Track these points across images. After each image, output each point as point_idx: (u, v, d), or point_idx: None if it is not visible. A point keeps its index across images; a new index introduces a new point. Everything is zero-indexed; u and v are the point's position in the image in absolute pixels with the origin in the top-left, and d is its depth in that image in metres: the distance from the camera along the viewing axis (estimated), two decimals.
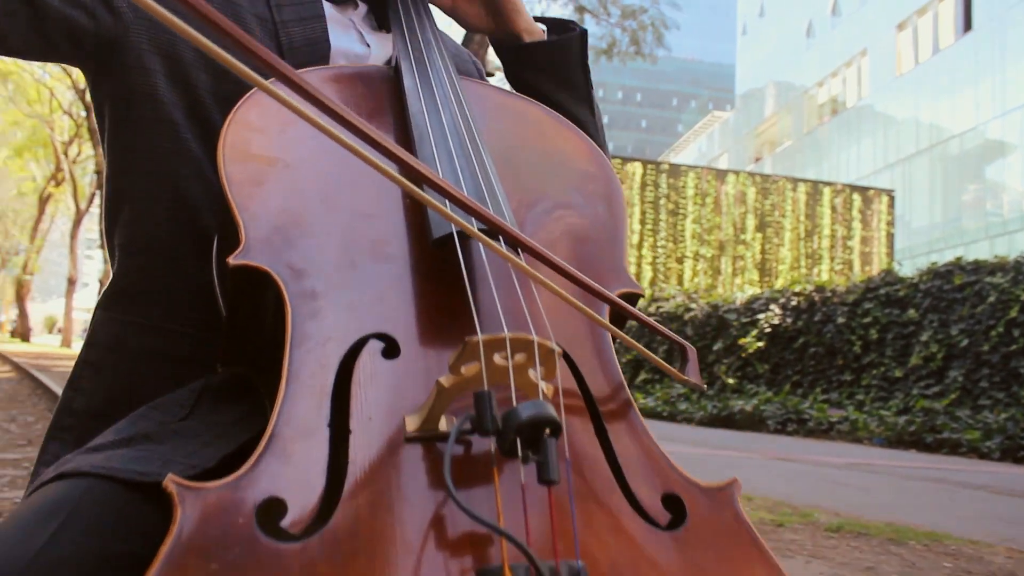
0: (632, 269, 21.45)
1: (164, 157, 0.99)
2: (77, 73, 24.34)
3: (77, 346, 28.59)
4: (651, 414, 12.57)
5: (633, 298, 0.92)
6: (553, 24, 1.21)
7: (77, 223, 27.11)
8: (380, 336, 0.74)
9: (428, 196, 0.70)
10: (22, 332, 36.92)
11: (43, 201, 32.52)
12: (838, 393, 11.97)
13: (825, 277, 20.68)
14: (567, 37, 1.16)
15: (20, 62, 25.98)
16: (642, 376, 15.07)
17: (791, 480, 5.95)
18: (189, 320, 0.98)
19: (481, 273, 0.82)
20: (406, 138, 0.94)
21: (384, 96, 1.01)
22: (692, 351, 0.92)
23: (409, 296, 0.80)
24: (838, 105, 36.05)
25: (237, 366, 0.87)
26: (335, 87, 0.99)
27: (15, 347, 28.11)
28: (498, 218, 0.73)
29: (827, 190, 23.37)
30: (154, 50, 0.99)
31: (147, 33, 0.99)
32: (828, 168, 33.79)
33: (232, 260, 0.75)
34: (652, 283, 21.09)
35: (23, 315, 37.66)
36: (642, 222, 21.99)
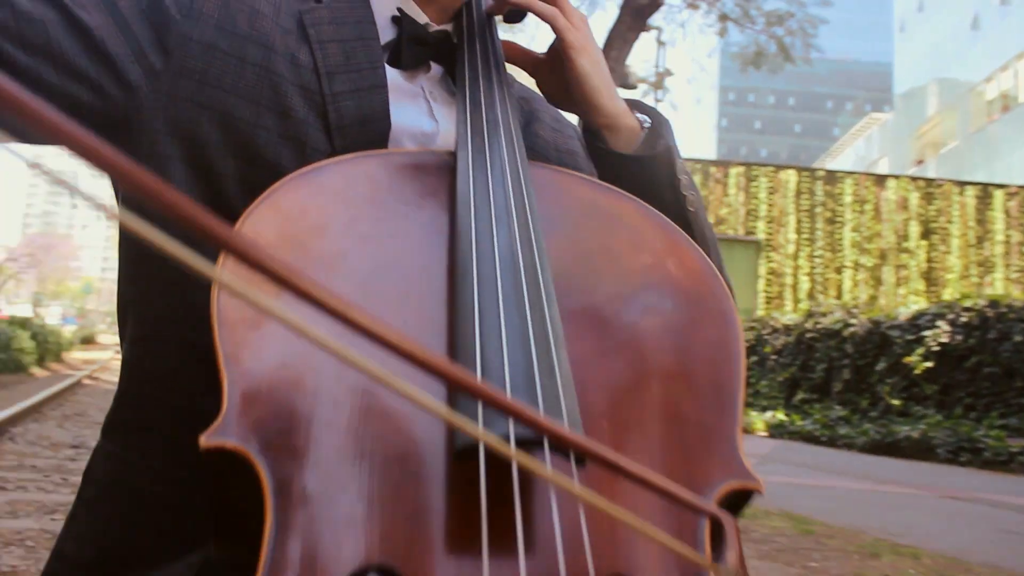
0: (788, 280, 20.87)
1: (176, 267, 0.71)
2: None
3: None
4: (808, 438, 12.03)
5: (744, 496, 0.67)
6: (648, 112, 0.98)
7: None
8: (382, 571, 0.55)
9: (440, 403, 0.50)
10: None
11: None
12: (1018, 419, 11.02)
13: (999, 287, 19.36)
14: (646, 157, 0.92)
15: None
16: (799, 396, 14.46)
17: (970, 527, 5.42)
18: (195, 465, 0.72)
19: (532, 482, 0.59)
20: (452, 266, 0.71)
21: (434, 198, 0.78)
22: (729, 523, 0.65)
23: (428, 513, 0.58)
24: (1009, 101, 34.07)
25: (231, 546, 0.67)
26: (368, 184, 0.77)
27: None
28: (549, 423, 0.46)
29: (999, 193, 21.90)
30: (172, 131, 0.82)
31: (165, 112, 0.82)
32: (1000, 169, 31.71)
33: (205, 440, 0.57)
34: (810, 295, 20.36)
35: None
36: (798, 231, 21.28)
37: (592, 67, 0.92)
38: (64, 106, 0.78)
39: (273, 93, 0.84)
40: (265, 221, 0.70)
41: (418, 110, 0.94)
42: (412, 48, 0.93)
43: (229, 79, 0.83)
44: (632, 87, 15.78)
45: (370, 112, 0.88)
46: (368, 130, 0.87)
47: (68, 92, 0.78)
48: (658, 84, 16.54)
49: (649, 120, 0.96)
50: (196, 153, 0.83)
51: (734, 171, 21.74)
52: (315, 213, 0.73)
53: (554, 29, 0.92)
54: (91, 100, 0.80)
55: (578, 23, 0.93)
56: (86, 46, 0.79)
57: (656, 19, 11.35)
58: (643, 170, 0.92)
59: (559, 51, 0.93)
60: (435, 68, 0.97)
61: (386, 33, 0.93)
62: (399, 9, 0.94)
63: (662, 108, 16.26)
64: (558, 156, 1.01)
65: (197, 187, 0.82)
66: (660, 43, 16.90)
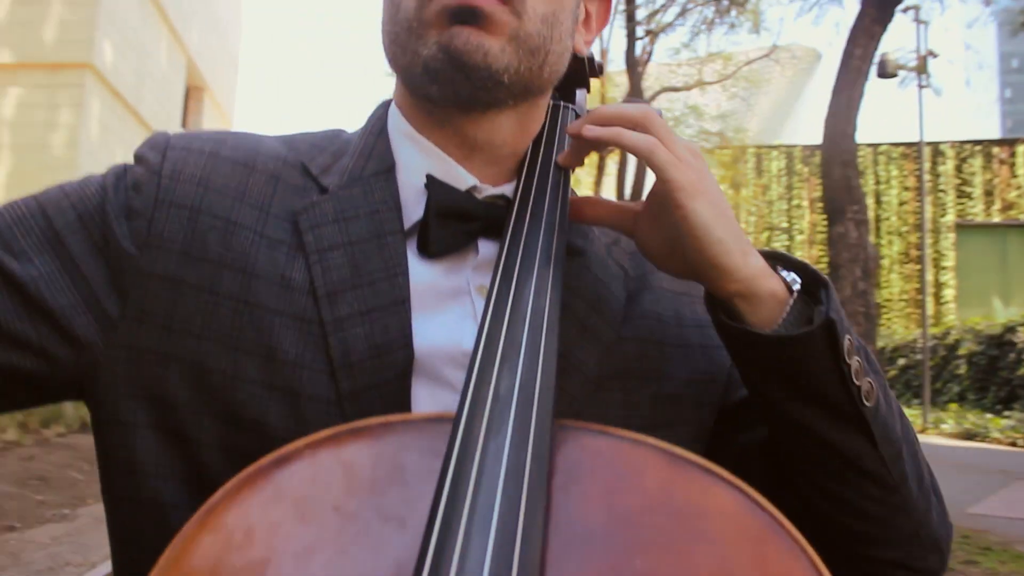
0: None
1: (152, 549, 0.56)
2: None
3: None
4: None
5: None
6: (798, 269, 0.72)
7: None
8: None
9: None
10: None
11: None
12: None
13: None
14: (796, 337, 0.66)
15: None
16: None
17: None
18: None
19: None
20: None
21: (419, 509, 0.52)
22: None
23: None
24: None
25: None
26: (343, 485, 0.54)
27: None
28: None
29: None
30: (135, 392, 0.68)
31: (126, 369, 0.68)
32: None
33: None
34: None
35: None
36: None
37: (711, 213, 0.66)
38: (7, 378, 0.67)
39: (255, 332, 0.68)
40: (200, 550, 0.52)
41: (459, 318, 0.73)
42: (443, 229, 0.73)
43: (199, 321, 0.68)
44: (892, 75, 14.75)
45: (385, 340, 0.69)
46: (383, 364, 0.68)
47: (5, 363, 0.66)
48: (920, 68, 15.34)
49: (799, 281, 0.71)
50: (166, 417, 0.68)
51: (1022, 149, 19.65)
52: (261, 542, 0.52)
53: (652, 167, 0.68)
54: (35, 367, 0.67)
55: (685, 155, 0.68)
56: (21, 303, 0.66)
57: None
58: (792, 355, 0.67)
59: (663, 196, 0.69)
60: (486, 248, 0.75)
61: (419, 209, 0.74)
62: (429, 176, 0.74)
63: (926, 95, 15.06)
64: (669, 352, 0.80)
65: (171, 460, 0.68)
66: (920, 23, 15.69)
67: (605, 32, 18.01)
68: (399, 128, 0.79)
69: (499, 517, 0.49)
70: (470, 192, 0.75)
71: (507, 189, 0.77)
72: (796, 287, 0.70)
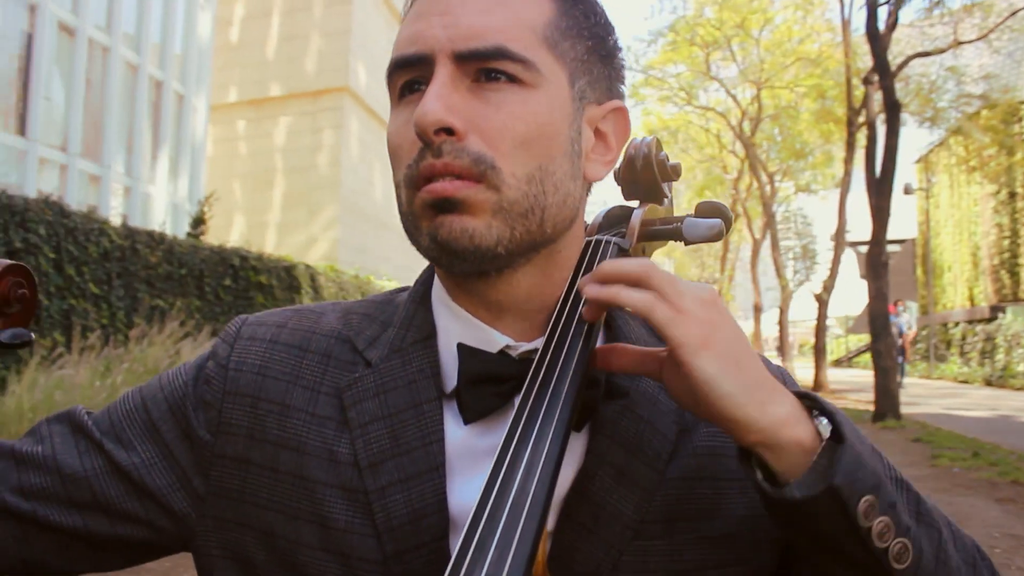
0: None
1: None
2: (735, 112, 26.16)
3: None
4: None
5: None
6: (829, 415, 0.69)
7: (754, 252, 28.57)
8: None
9: None
10: None
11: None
12: None
13: None
14: (801, 501, 0.64)
15: (689, 114, 29.05)
16: None
17: None
18: None
19: None
20: None
21: None
22: None
23: None
24: None
25: None
26: None
27: None
28: None
29: None
30: (224, 554, 0.79)
31: (216, 534, 0.79)
32: None
33: None
34: None
35: None
36: None
37: (717, 367, 0.65)
38: (121, 546, 0.80)
39: (310, 503, 0.75)
40: None
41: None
42: (476, 394, 0.75)
43: (265, 494, 0.77)
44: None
45: (421, 505, 0.74)
46: (421, 527, 0.73)
47: (123, 536, 0.79)
48: None
49: (831, 426, 0.68)
50: (247, 572, 0.78)
51: None
52: None
53: (653, 326, 0.67)
54: (146, 536, 0.80)
55: (691, 307, 0.67)
56: (130, 488, 0.79)
57: None
58: (802, 515, 0.66)
59: (671, 352, 0.68)
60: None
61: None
62: (459, 344, 0.78)
63: None
64: (725, 487, 0.79)
65: None
66: None
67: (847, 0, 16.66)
68: (438, 295, 0.84)
69: None
70: (503, 352, 0.78)
71: (540, 343, 0.77)
72: (826, 436, 0.67)
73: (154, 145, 19.05)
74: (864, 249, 13.34)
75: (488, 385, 0.75)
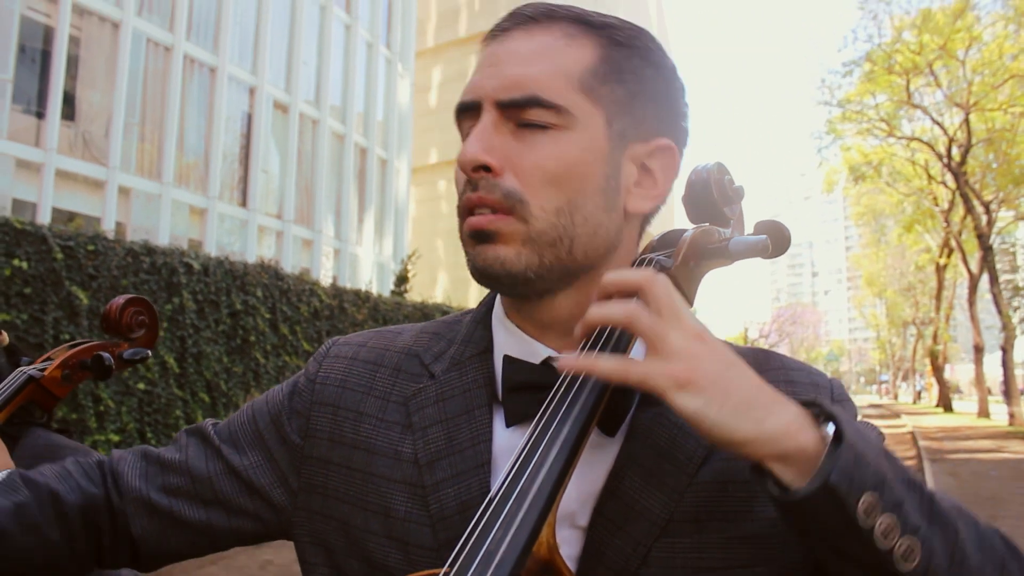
0: None
1: None
2: (942, 140, 24.69)
3: (999, 412, 27.82)
4: None
5: None
6: (835, 419, 0.70)
7: (972, 289, 26.69)
8: None
9: None
10: (943, 402, 37.37)
11: (939, 270, 33.03)
12: None
13: None
14: (798, 503, 0.66)
15: (892, 145, 27.63)
16: None
17: None
18: None
19: None
20: None
21: None
22: None
23: None
24: None
25: None
26: None
27: (933, 420, 28.62)
28: None
29: None
30: (313, 541, 0.91)
31: (307, 524, 0.92)
32: None
33: None
34: None
35: (941, 385, 38.23)
36: None
37: (703, 400, 0.68)
38: (234, 537, 0.95)
39: (377, 496, 0.86)
40: None
41: None
42: (518, 400, 0.83)
43: (342, 488, 0.89)
44: None
45: (469, 498, 0.82)
46: (467, 517, 0.77)
47: (236, 527, 0.94)
48: None
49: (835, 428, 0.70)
50: (331, 559, 0.89)
51: None
52: None
53: (634, 376, 0.71)
54: (254, 527, 0.94)
55: (672, 346, 0.70)
56: (242, 486, 0.93)
57: None
58: (804, 516, 0.68)
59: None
60: None
61: None
62: (505, 356, 0.87)
63: None
64: (742, 491, 0.81)
65: None
66: None
67: None
68: (497, 314, 0.93)
69: None
70: (546, 362, 0.85)
71: None
72: (829, 439, 0.69)
73: (360, 208, 20.22)
74: None
75: (530, 392, 0.83)
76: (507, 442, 0.84)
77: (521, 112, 0.81)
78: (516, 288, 0.83)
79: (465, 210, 0.83)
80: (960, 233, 27.51)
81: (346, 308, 12.07)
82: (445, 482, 0.84)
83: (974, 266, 26.50)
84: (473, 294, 22.98)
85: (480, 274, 0.83)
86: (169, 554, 0.96)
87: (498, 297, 0.94)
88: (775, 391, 0.71)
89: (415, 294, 17.44)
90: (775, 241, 0.87)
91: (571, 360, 0.73)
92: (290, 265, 14.62)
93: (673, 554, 0.79)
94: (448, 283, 24.01)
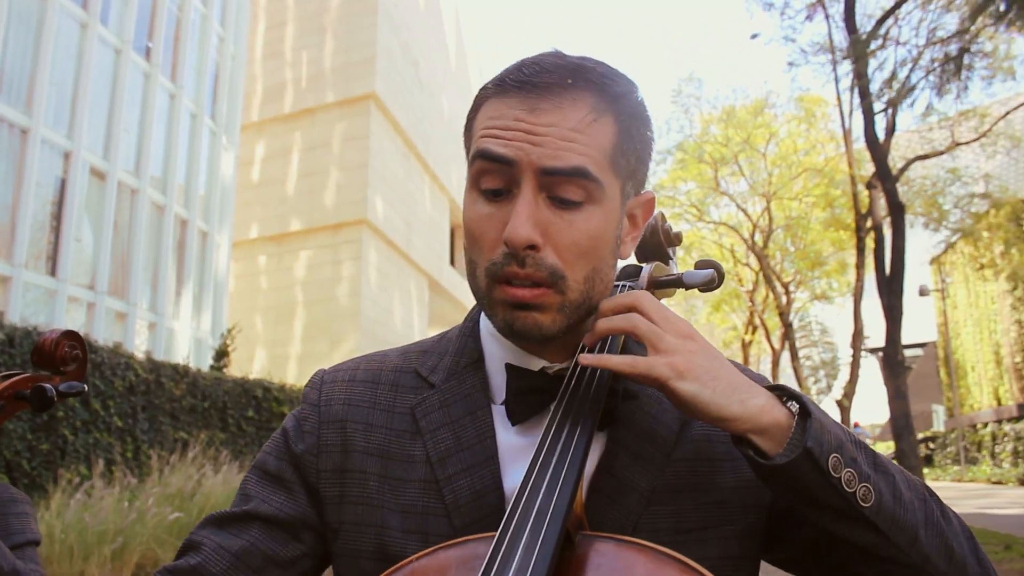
0: None
1: None
2: (746, 225, 26.46)
3: None
4: None
5: None
6: (795, 397, 0.88)
7: (774, 363, 28.51)
8: None
9: None
10: None
11: (745, 347, 35.10)
12: None
13: None
14: (783, 466, 0.82)
15: (701, 229, 29.50)
16: None
17: None
18: None
19: None
20: None
21: None
22: None
23: None
24: None
25: None
26: None
27: None
28: None
29: None
30: (341, 551, 0.98)
31: (333, 537, 0.98)
32: None
33: None
34: None
35: None
36: None
37: (697, 387, 0.84)
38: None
39: (394, 495, 0.95)
40: None
41: None
42: (521, 402, 0.94)
43: (356, 492, 0.96)
44: None
45: (481, 487, 0.92)
46: (482, 504, 0.92)
47: (299, 574, 0.98)
48: None
49: (799, 406, 0.87)
50: (351, 563, 0.96)
51: None
52: None
53: (637, 370, 0.86)
54: (312, 564, 1.00)
55: (669, 345, 0.86)
56: (283, 532, 0.97)
57: None
58: (786, 477, 0.83)
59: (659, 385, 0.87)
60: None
61: (503, 386, 0.98)
62: (507, 364, 0.97)
63: None
64: (719, 465, 0.97)
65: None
66: None
67: (846, 111, 17.05)
68: (488, 328, 1.03)
69: None
70: (543, 370, 0.97)
71: (570, 363, 0.97)
72: (796, 414, 0.86)
73: (178, 281, 19.51)
74: (880, 354, 13.43)
75: (530, 395, 0.94)
76: (511, 439, 0.96)
77: (558, 185, 0.88)
78: (540, 343, 0.95)
79: (503, 279, 0.90)
80: (763, 312, 29.40)
81: (163, 383, 11.54)
82: (457, 475, 0.94)
83: (776, 342, 28.39)
84: (292, 371, 22.48)
85: (515, 334, 0.92)
86: None
87: (484, 314, 1.02)
88: (749, 379, 0.88)
89: (234, 370, 16.90)
90: (719, 275, 1.04)
91: (591, 357, 0.88)
92: (102, 338, 13.86)
93: (657, 520, 0.93)
94: (266, 359, 23.35)
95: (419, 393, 1.01)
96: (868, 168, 17.38)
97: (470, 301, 33.70)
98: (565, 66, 0.91)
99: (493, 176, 0.90)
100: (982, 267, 23.51)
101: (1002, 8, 8.71)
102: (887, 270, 13.03)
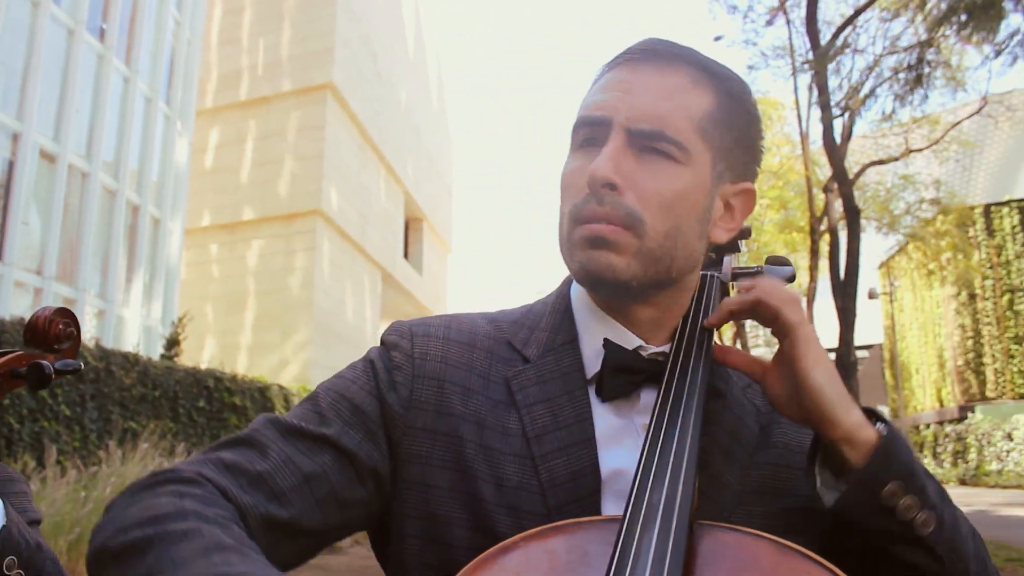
0: None
1: None
2: None
3: None
4: None
5: None
6: (884, 421, 0.90)
7: None
8: None
9: None
10: None
11: None
12: None
13: None
14: (849, 497, 0.85)
15: None
16: None
17: None
18: None
19: None
20: None
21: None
22: None
23: None
24: None
25: None
26: (546, 565, 0.79)
27: None
28: None
29: None
30: (415, 513, 0.92)
31: (403, 496, 0.93)
32: None
33: None
34: None
35: None
36: None
37: (827, 380, 0.86)
38: (341, 533, 0.93)
39: (488, 466, 0.91)
40: None
41: (630, 450, 0.93)
42: (615, 380, 0.94)
43: (449, 458, 0.92)
44: None
45: (579, 468, 0.91)
46: (579, 485, 0.90)
47: (347, 520, 0.92)
48: None
49: (887, 429, 0.88)
50: (431, 527, 0.91)
51: None
52: None
53: (793, 339, 0.88)
54: (362, 516, 0.94)
55: (813, 337, 0.88)
56: (353, 472, 0.91)
57: None
58: (863, 495, 0.84)
59: (791, 363, 0.88)
60: (645, 396, 0.96)
61: (598, 364, 0.97)
62: (605, 339, 0.97)
63: None
64: (796, 473, 0.98)
65: (430, 558, 0.91)
66: None
67: (804, 115, 17.37)
68: (582, 302, 1.03)
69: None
70: (637, 351, 0.97)
71: (667, 347, 0.98)
72: (884, 437, 0.86)
73: (129, 268, 19.12)
74: (833, 355, 13.66)
75: (624, 374, 0.95)
76: (607, 421, 0.95)
77: (647, 142, 0.92)
78: (616, 292, 0.95)
79: (583, 218, 0.92)
80: None
81: (113, 371, 11.30)
82: (554, 453, 0.92)
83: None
84: (242, 362, 22.20)
85: (588, 276, 0.93)
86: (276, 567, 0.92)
87: (580, 291, 1.04)
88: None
89: (185, 359, 16.63)
90: (795, 271, 1.08)
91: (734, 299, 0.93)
92: None
93: (750, 520, 0.91)
94: (217, 349, 23.01)
95: (513, 365, 0.99)
96: (823, 172, 17.66)
97: (423, 295, 33.96)
98: (673, 44, 0.97)
99: (588, 131, 0.95)
100: (930, 272, 24.00)
101: (963, 19, 8.86)
102: (842, 273, 13.23)
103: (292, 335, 23.20)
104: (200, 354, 22.20)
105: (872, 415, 0.90)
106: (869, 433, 0.86)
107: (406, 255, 32.64)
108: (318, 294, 23.91)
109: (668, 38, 0.98)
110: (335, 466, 0.90)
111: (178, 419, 12.53)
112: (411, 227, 33.00)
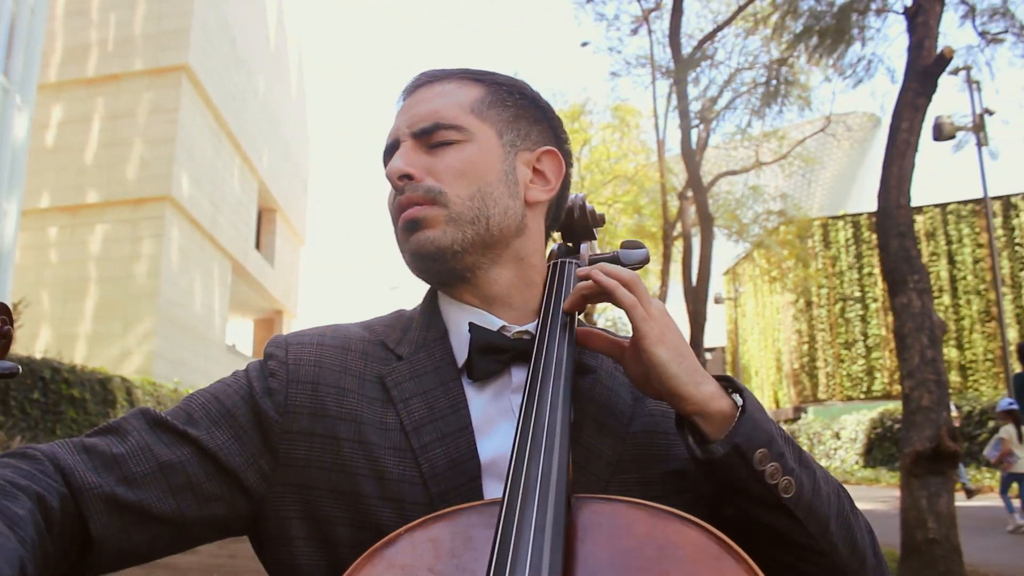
0: None
1: None
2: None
3: None
4: None
5: None
6: (741, 392, 0.94)
7: None
8: None
9: None
10: None
11: None
12: None
13: None
14: (715, 460, 0.88)
15: None
16: None
17: None
18: None
19: None
20: None
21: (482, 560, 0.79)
22: None
23: None
24: None
25: None
26: (431, 552, 0.80)
27: None
28: None
29: None
30: (294, 516, 0.95)
31: (286, 501, 0.95)
32: None
33: None
34: None
35: None
36: None
37: (670, 356, 0.89)
38: (202, 527, 0.93)
39: (368, 461, 0.94)
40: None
41: (507, 432, 0.95)
42: (483, 360, 0.99)
43: (328, 458, 0.94)
44: (949, 137, 14.71)
45: (458, 455, 0.94)
46: (459, 472, 0.93)
47: (206, 515, 0.92)
48: (978, 128, 15.26)
49: (742, 399, 0.92)
50: (316, 528, 0.93)
51: None
52: None
53: (631, 320, 0.92)
54: (224, 513, 0.94)
55: (655, 314, 0.92)
56: (214, 469, 0.92)
57: (958, 59, 10.61)
58: (715, 469, 0.89)
59: (636, 343, 0.92)
60: (516, 374, 1.00)
61: (467, 351, 1.01)
62: (470, 323, 1.01)
63: (985, 153, 14.95)
64: (672, 438, 1.00)
65: (319, 560, 0.93)
66: (972, 83, 15.69)
67: (661, 123, 17.93)
68: (446, 300, 1.08)
69: (531, 565, 0.73)
70: (501, 331, 1.02)
71: (530, 326, 1.04)
72: (739, 407, 0.91)
73: None
74: None
75: (492, 354, 0.99)
76: (482, 406, 0.99)
77: (430, 137, 1.03)
78: (446, 263, 1.01)
79: (396, 212, 1.04)
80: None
81: None
82: (432, 444, 0.95)
83: None
84: (81, 352, 21.08)
85: (416, 256, 1.02)
86: (128, 554, 0.90)
87: (438, 291, 1.10)
88: (703, 368, 0.94)
89: (18, 347, 15.66)
90: (648, 253, 1.15)
91: (600, 276, 0.95)
92: None
93: (628, 488, 0.96)
94: (52, 338, 21.74)
95: (388, 363, 1.02)
96: (677, 180, 18.29)
97: (274, 288, 33.09)
98: (443, 68, 1.10)
99: (388, 157, 1.07)
100: (772, 279, 25.22)
101: (814, 42, 9.38)
102: (694, 278, 13.75)
103: (135, 325, 22.17)
104: (34, 343, 20.94)
105: (729, 384, 0.94)
106: (722, 405, 0.90)
107: (258, 246, 31.73)
108: (165, 283, 22.93)
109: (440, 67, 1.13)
110: (194, 460, 0.92)
111: (9, 412, 11.78)
112: (264, 218, 32.07)
